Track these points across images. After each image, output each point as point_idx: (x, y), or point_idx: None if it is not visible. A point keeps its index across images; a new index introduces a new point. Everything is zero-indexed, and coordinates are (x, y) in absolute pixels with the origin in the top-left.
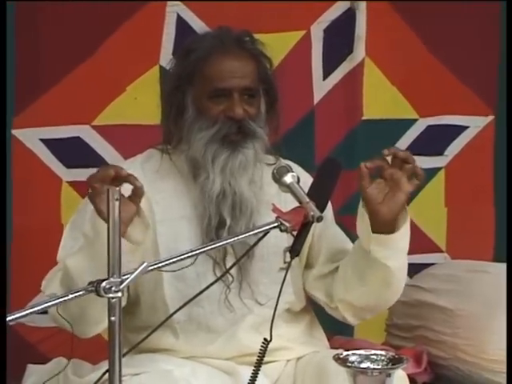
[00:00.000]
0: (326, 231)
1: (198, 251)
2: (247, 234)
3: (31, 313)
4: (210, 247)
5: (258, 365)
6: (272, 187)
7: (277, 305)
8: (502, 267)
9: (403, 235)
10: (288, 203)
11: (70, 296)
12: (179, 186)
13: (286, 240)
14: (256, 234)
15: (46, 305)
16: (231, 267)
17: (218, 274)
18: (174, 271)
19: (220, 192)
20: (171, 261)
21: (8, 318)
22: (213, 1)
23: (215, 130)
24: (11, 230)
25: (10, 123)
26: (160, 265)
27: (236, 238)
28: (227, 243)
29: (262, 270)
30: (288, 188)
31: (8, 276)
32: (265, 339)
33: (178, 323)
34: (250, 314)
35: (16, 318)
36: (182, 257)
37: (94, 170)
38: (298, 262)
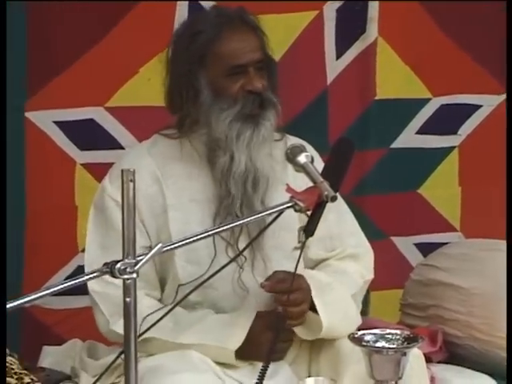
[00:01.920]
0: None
1: (213, 231)
2: (262, 214)
3: (46, 294)
4: (225, 227)
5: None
6: (279, 164)
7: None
8: None
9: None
10: (298, 179)
11: (86, 277)
12: (189, 169)
13: (297, 217)
14: (270, 213)
15: (61, 286)
16: (244, 249)
17: (231, 255)
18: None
19: (245, 171)
20: (184, 242)
21: (23, 300)
22: None
23: (239, 107)
24: (25, 213)
25: (22, 106)
26: (174, 246)
27: (250, 218)
28: (242, 223)
29: (274, 246)
30: (302, 168)
31: (22, 258)
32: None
33: (198, 304)
34: (262, 294)
35: (31, 300)
36: (196, 238)
37: (107, 152)
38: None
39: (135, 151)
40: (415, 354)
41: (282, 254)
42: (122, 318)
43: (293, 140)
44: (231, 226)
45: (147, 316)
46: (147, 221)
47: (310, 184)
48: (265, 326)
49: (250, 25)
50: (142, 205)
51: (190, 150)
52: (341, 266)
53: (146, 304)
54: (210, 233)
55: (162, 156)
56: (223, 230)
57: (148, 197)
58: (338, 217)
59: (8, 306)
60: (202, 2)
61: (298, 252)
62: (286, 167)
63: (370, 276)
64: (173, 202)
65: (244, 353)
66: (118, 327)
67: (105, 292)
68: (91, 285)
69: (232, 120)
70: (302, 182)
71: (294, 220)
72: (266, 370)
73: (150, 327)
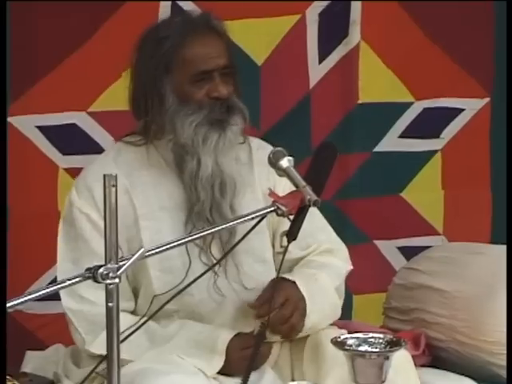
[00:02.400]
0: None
1: (187, 239)
2: (242, 220)
3: (29, 300)
4: (199, 234)
5: (257, 346)
6: (245, 167)
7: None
8: (499, 249)
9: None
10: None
11: (68, 282)
12: (156, 177)
13: (266, 219)
14: (252, 218)
15: (44, 291)
16: (222, 258)
17: (205, 261)
18: None
19: (212, 174)
20: (165, 247)
21: (7, 305)
22: None
23: (205, 113)
24: (8, 218)
25: (4, 111)
26: (156, 251)
27: (226, 225)
28: (217, 230)
29: (246, 250)
30: (284, 172)
31: (6, 264)
32: (262, 323)
33: (175, 312)
34: (238, 299)
35: (14, 305)
36: (175, 244)
37: (90, 157)
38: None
39: (100, 161)
40: (403, 355)
41: (254, 258)
42: (97, 337)
43: (255, 141)
44: (206, 233)
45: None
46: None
47: (275, 185)
48: (243, 345)
49: (216, 30)
50: None
51: (157, 156)
52: (322, 260)
53: (121, 322)
54: (185, 240)
55: (128, 165)
56: (198, 238)
57: (119, 208)
58: (309, 216)
59: None
60: (181, 3)
61: (270, 255)
62: (251, 169)
63: (350, 267)
64: (143, 212)
65: (223, 369)
66: (94, 347)
67: (79, 310)
68: (66, 302)
69: (198, 124)
70: (268, 184)
71: (264, 224)
72: (247, 381)
73: (125, 338)
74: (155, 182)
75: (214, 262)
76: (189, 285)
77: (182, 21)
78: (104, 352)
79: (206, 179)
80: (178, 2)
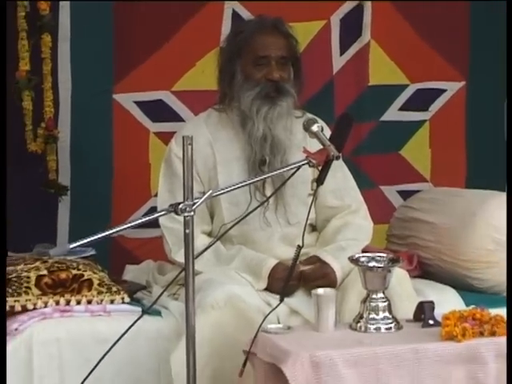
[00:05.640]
0: (336, 174)
1: (249, 182)
2: (285, 169)
3: (127, 228)
4: (257, 179)
5: (293, 266)
6: (299, 134)
7: (306, 222)
8: (472, 193)
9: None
10: (313, 146)
11: (156, 215)
12: (230, 135)
13: (310, 173)
14: (291, 168)
15: (138, 221)
16: (271, 195)
17: (260, 200)
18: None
19: (262, 135)
20: (229, 189)
21: (111, 231)
22: (257, 1)
23: (259, 90)
24: (113, 168)
25: (110, 90)
26: (220, 193)
27: (276, 172)
28: (269, 176)
29: (293, 195)
30: (314, 135)
31: (110, 201)
32: (298, 245)
33: (234, 237)
34: (282, 231)
35: (116, 232)
36: (236, 187)
37: (172, 124)
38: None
39: (194, 121)
40: (401, 272)
41: (298, 201)
42: (181, 248)
43: (310, 116)
44: (263, 178)
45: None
46: (202, 173)
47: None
48: (282, 271)
49: (280, 30)
50: (198, 161)
51: (231, 119)
52: (356, 223)
53: (199, 242)
54: (247, 183)
55: (213, 125)
56: (256, 181)
57: (203, 156)
58: (343, 175)
59: (101, 235)
60: (242, 14)
61: (311, 199)
62: (305, 138)
63: (371, 224)
64: (220, 160)
65: (266, 288)
66: (177, 256)
67: (171, 227)
68: (162, 221)
69: (254, 98)
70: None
71: (307, 175)
72: (283, 300)
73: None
74: (229, 139)
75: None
76: (246, 215)
77: (255, 21)
78: (183, 262)
79: (259, 139)
80: (236, 10)
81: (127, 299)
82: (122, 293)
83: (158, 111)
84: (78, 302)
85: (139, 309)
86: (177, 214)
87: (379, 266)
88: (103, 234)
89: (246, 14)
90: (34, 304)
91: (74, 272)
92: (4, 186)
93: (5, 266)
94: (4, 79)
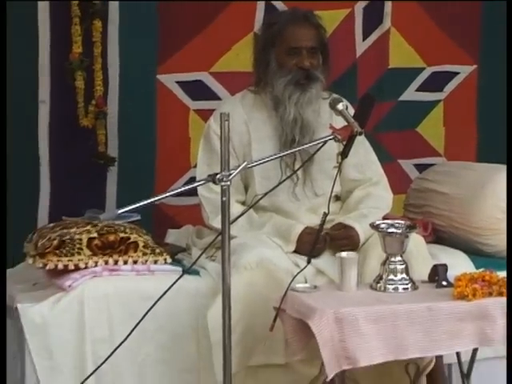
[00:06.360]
0: (358, 149)
1: (279, 155)
2: (312, 144)
3: (169, 195)
4: (286, 153)
5: (320, 230)
6: (326, 114)
7: (332, 192)
8: (483, 166)
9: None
10: (338, 123)
11: (195, 184)
12: (264, 115)
13: (336, 148)
14: (319, 143)
15: (179, 190)
16: (298, 168)
17: (289, 174)
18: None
19: (293, 119)
20: (262, 161)
21: (154, 199)
22: None
23: (291, 77)
24: (156, 143)
25: (154, 71)
26: (254, 164)
27: (305, 146)
28: (298, 150)
29: (319, 169)
30: (340, 113)
31: (154, 171)
32: (324, 212)
33: (265, 208)
34: (310, 202)
35: (159, 199)
36: (269, 159)
37: (210, 102)
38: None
39: (231, 101)
40: (418, 238)
41: (325, 176)
42: (217, 215)
43: (335, 96)
44: (290, 151)
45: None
46: (237, 148)
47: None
48: (309, 235)
49: (311, 22)
50: (234, 138)
51: (265, 102)
52: (376, 194)
53: (234, 209)
54: (278, 155)
55: (248, 105)
56: (285, 155)
57: (239, 133)
58: (365, 151)
59: (145, 202)
60: (275, 4)
61: (336, 172)
62: (331, 117)
63: (391, 195)
64: (254, 138)
65: (295, 251)
66: (214, 222)
67: (208, 197)
68: (201, 190)
69: (286, 84)
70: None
71: (333, 151)
72: (310, 262)
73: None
74: (263, 119)
75: (294, 177)
76: (277, 185)
77: (288, 13)
78: (220, 227)
79: (290, 122)
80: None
81: (169, 260)
82: (164, 254)
83: (198, 90)
84: (125, 262)
85: (180, 269)
86: (214, 183)
87: (397, 232)
88: (147, 201)
89: (279, 5)
90: (86, 263)
91: (122, 235)
92: (4, 186)
93: (5, 266)
94: (4, 80)
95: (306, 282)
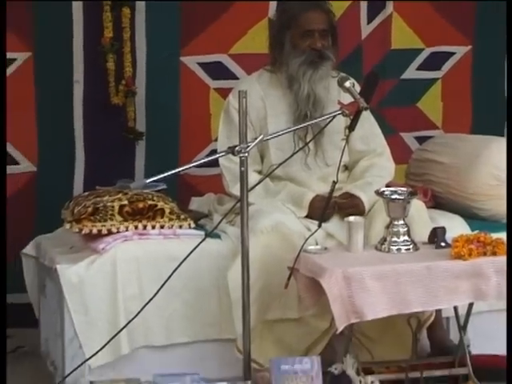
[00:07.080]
0: (364, 124)
1: (293, 128)
2: (322, 118)
3: (192, 166)
4: (299, 126)
5: (329, 197)
6: (335, 91)
7: (340, 162)
8: (477, 137)
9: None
10: (345, 99)
11: (217, 155)
12: (280, 93)
13: (343, 123)
14: (328, 117)
15: (201, 161)
16: (310, 141)
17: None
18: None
19: (307, 94)
20: (277, 134)
21: (179, 169)
22: None
23: (304, 57)
24: (180, 119)
25: (177, 53)
26: (270, 137)
27: (316, 120)
28: (310, 124)
29: (329, 142)
30: (347, 90)
31: (178, 144)
32: (333, 181)
33: (280, 177)
34: (321, 171)
35: (183, 170)
36: (284, 132)
37: (228, 81)
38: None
39: (248, 79)
40: (419, 203)
41: (334, 147)
42: (236, 184)
43: (343, 74)
44: (303, 125)
45: (251, 189)
46: (254, 122)
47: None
48: (320, 201)
49: (321, 7)
50: (252, 113)
51: (280, 80)
52: (380, 163)
53: (252, 178)
54: (292, 128)
55: (264, 83)
56: (298, 128)
57: (256, 108)
58: (370, 125)
59: (171, 172)
60: None
61: (344, 144)
62: (339, 93)
63: (393, 165)
64: (270, 113)
65: (307, 216)
66: (234, 190)
67: (228, 166)
68: (221, 160)
69: (300, 64)
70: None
71: (341, 125)
72: (320, 226)
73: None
74: (278, 96)
75: (306, 148)
76: (291, 156)
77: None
78: (239, 195)
79: (304, 97)
80: None
81: (193, 225)
82: (188, 220)
83: (217, 71)
84: (153, 227)
85: (202, 233)
86: (234, 154)
87: (400, 198)
88: (173, 172)
89: None
90: (118, 228)
91: (150, 202)
92: (4, 185)
93: (5, 265)
94: (4, 78)
95: (317, 244)
